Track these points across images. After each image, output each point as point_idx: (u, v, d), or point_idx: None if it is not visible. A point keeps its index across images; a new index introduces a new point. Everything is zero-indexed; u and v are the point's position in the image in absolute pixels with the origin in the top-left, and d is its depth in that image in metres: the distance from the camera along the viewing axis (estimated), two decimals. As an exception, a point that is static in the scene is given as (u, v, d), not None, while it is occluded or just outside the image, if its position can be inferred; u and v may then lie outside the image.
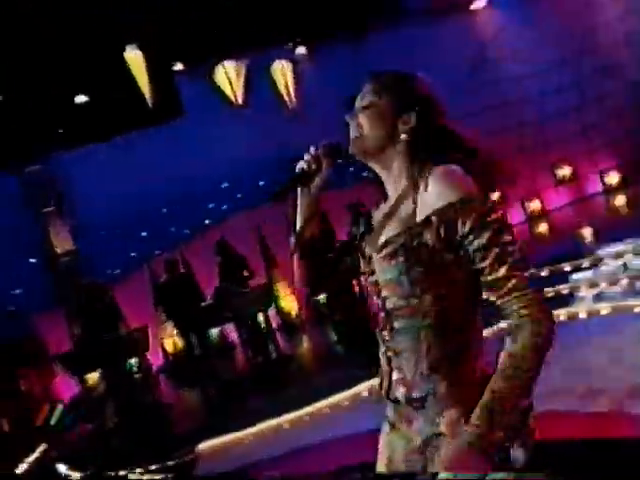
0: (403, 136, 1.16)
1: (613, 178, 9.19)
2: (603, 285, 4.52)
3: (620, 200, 8.19)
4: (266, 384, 5.18)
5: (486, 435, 0.98)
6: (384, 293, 1.16)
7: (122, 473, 3.62)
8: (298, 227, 1.30)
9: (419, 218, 1.10)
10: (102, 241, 7.55)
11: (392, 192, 1.21)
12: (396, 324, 1.15)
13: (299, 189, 1.28)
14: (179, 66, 7.19)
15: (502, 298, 1.04)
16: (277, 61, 6.23)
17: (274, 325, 6.58)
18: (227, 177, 8.12)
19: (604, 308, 4.22)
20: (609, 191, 9.04)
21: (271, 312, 7.07)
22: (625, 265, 4.60)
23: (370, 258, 1.19)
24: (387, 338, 1.18)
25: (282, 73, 6.17)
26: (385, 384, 1.21)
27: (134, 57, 5.38)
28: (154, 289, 6.82)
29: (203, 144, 7.48)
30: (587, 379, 2.98)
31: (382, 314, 1.18)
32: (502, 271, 1.03)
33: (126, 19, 5.05)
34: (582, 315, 4.21)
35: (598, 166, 9.38)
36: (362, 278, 1.26)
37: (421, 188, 1.11)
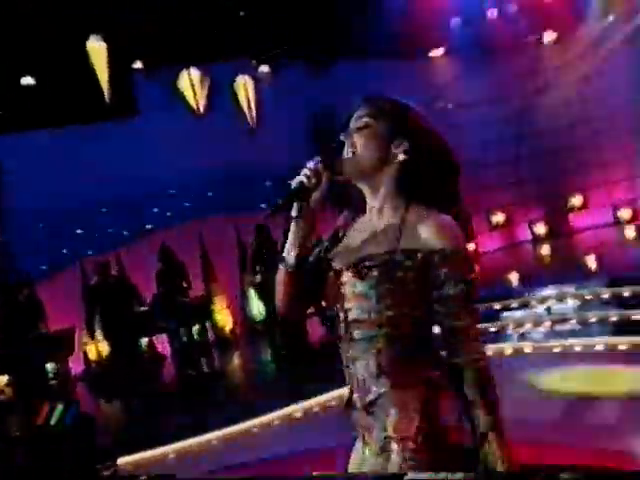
0: (398, 158, 1.21)
1: (540, 228, 9.93)
2: (528, 326, 4.84)
3: (545, 249, 8.85)
4: (195, 399, 5.01)
5: None
6: (348, 305, 1.21)
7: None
8: (298, 242, 1.27)
9: (403, 246, 1.16)
10: (32, 234, 7.09)
11: (374, 215, 1.26)
12: (355, 334, 1.21)
13: (295, 204, 1.25)
14: (138, 64, 7.03)
15: (455, 345, 1.15)
16: (240, 76, 6.28)
17: (209, 339, 6.41)
18: (175, 184, 7.92)
19: (527, 347, 4.52)
20: (537, 240, 9.75)
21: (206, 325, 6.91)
22: (549, 309, 4.96)
23: (340, 271, 1.23)
24: (346, 348, 1.22)
25: (244, 89, 6.22)
26: (347, 395, 1.25)
27: (97, 48, 5.19)
28: (84, 290, 6.46)
29: (154, 147, 7.30)
30: (508, 412, 3.15)
31: (342, 325, 1.23)
32: (461, 323, 1.14)
33: (94, 8, 4.89)
34: (508, 351, 4.47)
35: (528, 216, 10.12)
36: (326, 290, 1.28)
37: (408, 221, 1.18)
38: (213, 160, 7.48)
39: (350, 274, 1.19)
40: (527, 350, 4.48)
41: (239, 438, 4.05)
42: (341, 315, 1.22)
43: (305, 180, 1.23)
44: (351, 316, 1.20)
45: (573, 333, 4.43)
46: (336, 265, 1.24)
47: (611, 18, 8.98)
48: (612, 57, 9.03)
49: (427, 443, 1.13)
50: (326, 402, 4.20)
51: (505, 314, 5.16)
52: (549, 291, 5.13)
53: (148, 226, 7.95)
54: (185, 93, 5.43)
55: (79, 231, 7.65)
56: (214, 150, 7.33)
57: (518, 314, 5.13)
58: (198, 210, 8.07)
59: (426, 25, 8.26)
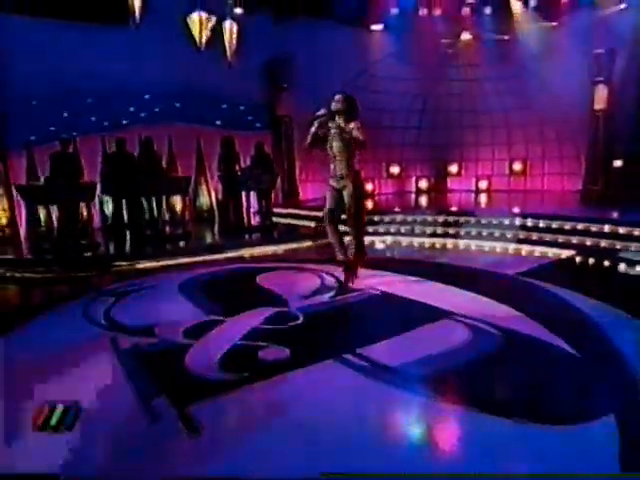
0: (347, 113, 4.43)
1: (423, 184, 13.15)
2: (393, 230, 7.89)
3: (423, 199, 12.02)
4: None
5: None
6: (334, 145, 4.72)
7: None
8: (316, 130, 4.51)
9: (348, 128, 4.64)
10: (25, 107, 8.57)
11: (340, 120, 4.66)
12: (337, 157, 4.75)
13: (317, 121, 4.38)
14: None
15: (359, 147, 4.74)
16: (228, 21, 8.02)
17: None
18: (150, 91, 9.73)
19: (388, 239, 7.55)
20: (419, 192, 12.96)
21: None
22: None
23: (331, 134, 4.74)
24: (337, 161, 4.73)
25: (230, 31, 8.01)
26: (335, 173, 4.78)
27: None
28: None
29: (142, 57, 8.99)
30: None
31: (332, 153, 4.74)
32: (361, 139, 4.61)
33: None
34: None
35: (416, 173, 13.28)
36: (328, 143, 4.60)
37: (348, 125, 4.66)
38: (187, 79, 9.43)
39: (335, 134, 4.55)
40: (388, 241, 7.53)
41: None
42: (331, 151, 4.59)
43: (321, 113, 4.37)
44: (335, 150, 4.54)
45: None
46: (330, 132, 4.56)
47: (507, 38, 11.92)
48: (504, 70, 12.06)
49: (357, 178, 4.51)
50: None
51: (382, 224, 8.15)
52: (414, 217, 8.18)
53: (124, 121, 9.69)
54: (192, 28, 7.03)
55: (65, 114, 9.18)
56: (191, 71, 9.24)
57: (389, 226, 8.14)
58: (166, 116, 9.97)
59: (372, 6, 10.62)
